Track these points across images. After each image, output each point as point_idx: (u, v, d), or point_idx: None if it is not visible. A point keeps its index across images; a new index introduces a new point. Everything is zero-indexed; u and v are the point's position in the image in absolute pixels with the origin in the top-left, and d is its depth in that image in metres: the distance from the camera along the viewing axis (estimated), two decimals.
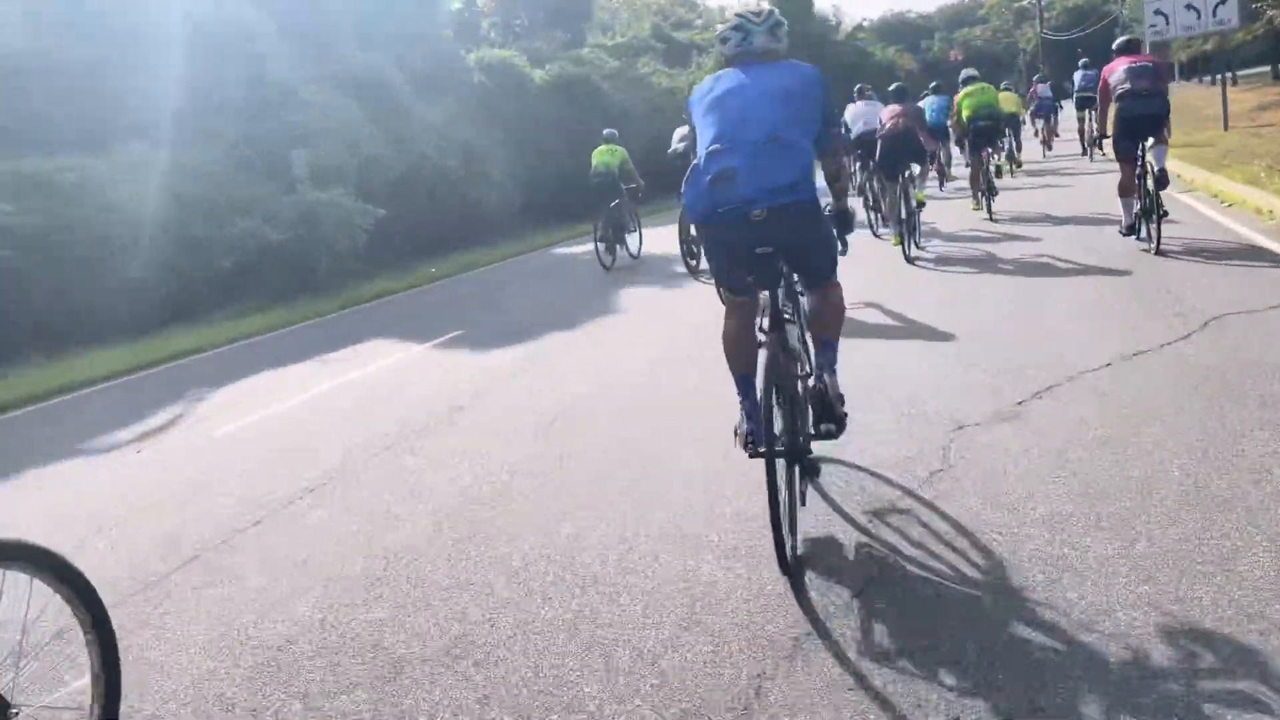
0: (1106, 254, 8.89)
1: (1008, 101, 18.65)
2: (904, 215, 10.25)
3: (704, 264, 10.41)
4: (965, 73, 14.30)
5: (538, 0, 39.98)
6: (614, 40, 41.07)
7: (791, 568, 3.44)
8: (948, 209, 13.84)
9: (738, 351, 3.85)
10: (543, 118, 25.56)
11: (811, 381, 3.97)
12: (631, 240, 14.18)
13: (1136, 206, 8.90)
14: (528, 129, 25.14)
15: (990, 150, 13.48)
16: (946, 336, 6.61)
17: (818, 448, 4.08)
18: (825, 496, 4.09)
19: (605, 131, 14.19)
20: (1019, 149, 19.01)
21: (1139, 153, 8.68)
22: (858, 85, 13.68)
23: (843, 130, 11.89)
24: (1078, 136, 20.80)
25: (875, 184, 12.44)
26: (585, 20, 41.25)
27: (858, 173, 13.32)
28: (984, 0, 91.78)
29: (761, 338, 3.80)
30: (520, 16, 40.44)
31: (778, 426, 3.57)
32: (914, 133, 10.73)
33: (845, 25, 64.70)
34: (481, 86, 25.58)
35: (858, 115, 12.47)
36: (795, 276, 4.04)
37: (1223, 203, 11.13)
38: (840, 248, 4.02)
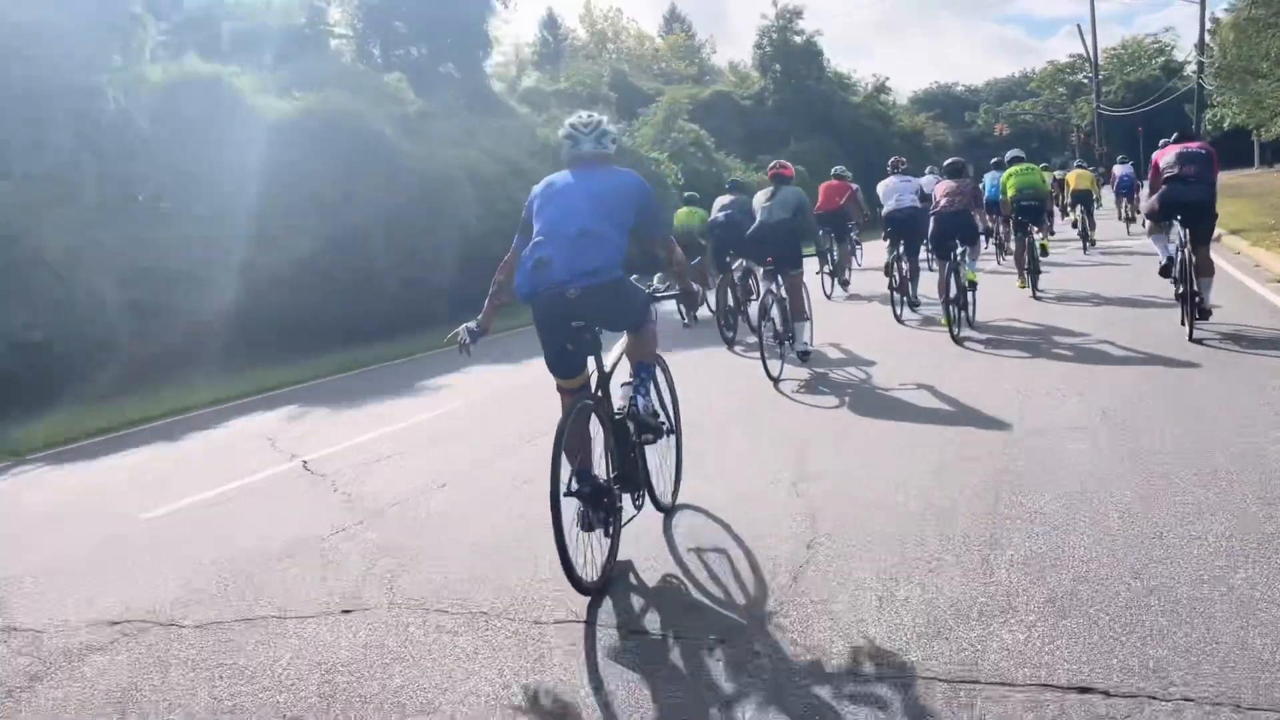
0: (1150, 339, 9.07)
1: (1082, 179, 19.44)
2: (953, 294, 10.17)
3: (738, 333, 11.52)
4: (1011, 153, 14.62)
5: (420, 24, 30.26)
6: (551, 84, 38.93)
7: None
8: (997, 283, 14.11)
9: (572, 445, 4.42)
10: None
11: (630, 403, 4.78)
12: None
13: (1178, 289, 9.17)
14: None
15: (1035, 228, 13.70)
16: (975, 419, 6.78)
17: None
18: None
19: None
20: (1092, 226, 19.51)
21: (1181, 240, 8.91)
22: (891, 159, 13.69)
23: (870, 207, 12.77)
24: (1124, 225, 22.86)
25: (902, 266, 12.16)
26: (482, 50, 32.49)
27: (886, 251, 12.58)
28: (1033, 74, 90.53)
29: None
30: (374, 41, 30.75)
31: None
32: (969, 212, 10.66)
33: (893, 98, 63.85)
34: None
35: (889, 191, 12.52)
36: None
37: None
38: (685, 319, 6.20)
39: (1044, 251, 11.95)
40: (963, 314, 10.37)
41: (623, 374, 5.02)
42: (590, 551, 4.41)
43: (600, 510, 4.47)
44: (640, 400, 4.80)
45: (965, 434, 6.35)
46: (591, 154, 4.74)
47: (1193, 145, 9.11)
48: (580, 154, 4.76)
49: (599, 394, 4.69)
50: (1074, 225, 20.20)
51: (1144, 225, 9.87)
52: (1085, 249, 18.76)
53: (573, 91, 37.41)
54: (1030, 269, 13.04)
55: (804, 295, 9.58)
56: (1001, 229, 18.15)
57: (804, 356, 9.70)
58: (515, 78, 44.02)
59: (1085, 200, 19.55)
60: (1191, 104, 63.55)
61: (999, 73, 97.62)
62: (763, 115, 50.38)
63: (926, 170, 19.91)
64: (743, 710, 3.22)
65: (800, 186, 9.95)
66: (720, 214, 12.05)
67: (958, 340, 9.93)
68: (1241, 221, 18.21)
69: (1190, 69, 68.84)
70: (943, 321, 10.48)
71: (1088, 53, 61.33)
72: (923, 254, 13.33)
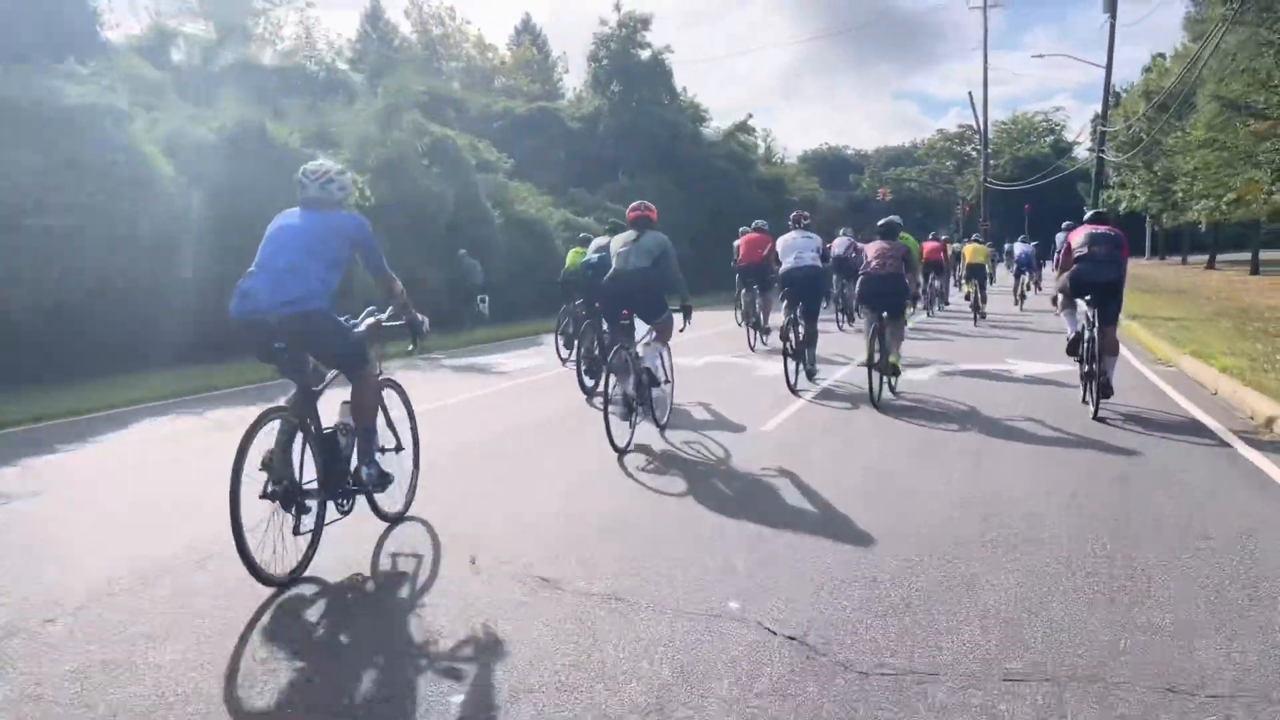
0: (1056, 416, 9.21)
1: (978, 253, 20.10)
2: (875, 359, 9.99)
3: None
4: (885, 220, 14.64)
5: None
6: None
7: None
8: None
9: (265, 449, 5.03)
10: None
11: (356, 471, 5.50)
12: None
13: (1083, 367, 9.47)
14: None
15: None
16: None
17: None
18: None
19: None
20: (984, 300, 20.35)
21: (1089, 321, 9.23)
22: (794, 213, 12.82)
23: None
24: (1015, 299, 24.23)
25: (799, 329, 11.41)
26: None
27: (783, 313, 11.66)
28: (922, 144, 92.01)
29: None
30: None
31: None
32: (901, 276, 10.28)
33: (759, 140, 57.61)
34: None
35: (789, 247, 11.76)
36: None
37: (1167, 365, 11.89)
38: (411, 347, 5.92)
39: (895, 370, 10.56)
40: (884, 381, 10.30)
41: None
42: (281, 547, 4.95)
43: (291, 510, 5.07)
44: (365, 470, 5.51)
45: (811, 542, 5.44)
46: (316, 197, 5.39)
47: (1102, 227, 9.46)
48: (308, 197, 5.39)
49: (300, 408, 5.25)
50: (967, 298, 21.10)
51: (1055, 303, 10.00)
52: (976, 321, 19.44)
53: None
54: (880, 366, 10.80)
55: (664, 356, 8.77)
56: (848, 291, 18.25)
57: (659, 427, 8.78)
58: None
59: (980, 274, 20.32)
60: (1087, 183, 62.06)
61: (891, 142, 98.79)
62: (592, 141, 42.21)
63: (840, 231, 19.99)
64: None
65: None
66: (594, 255, 11.47)
67: (878, 405, 9.86)
68: (1131, 307, 18.96)
69: (1084, 149, 70.03)
70: (866, 385, 10.38)
71: (977, 123, 60.10)
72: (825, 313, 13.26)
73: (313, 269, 5.11)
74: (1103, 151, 38.93)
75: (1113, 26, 32.94)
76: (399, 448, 6.00)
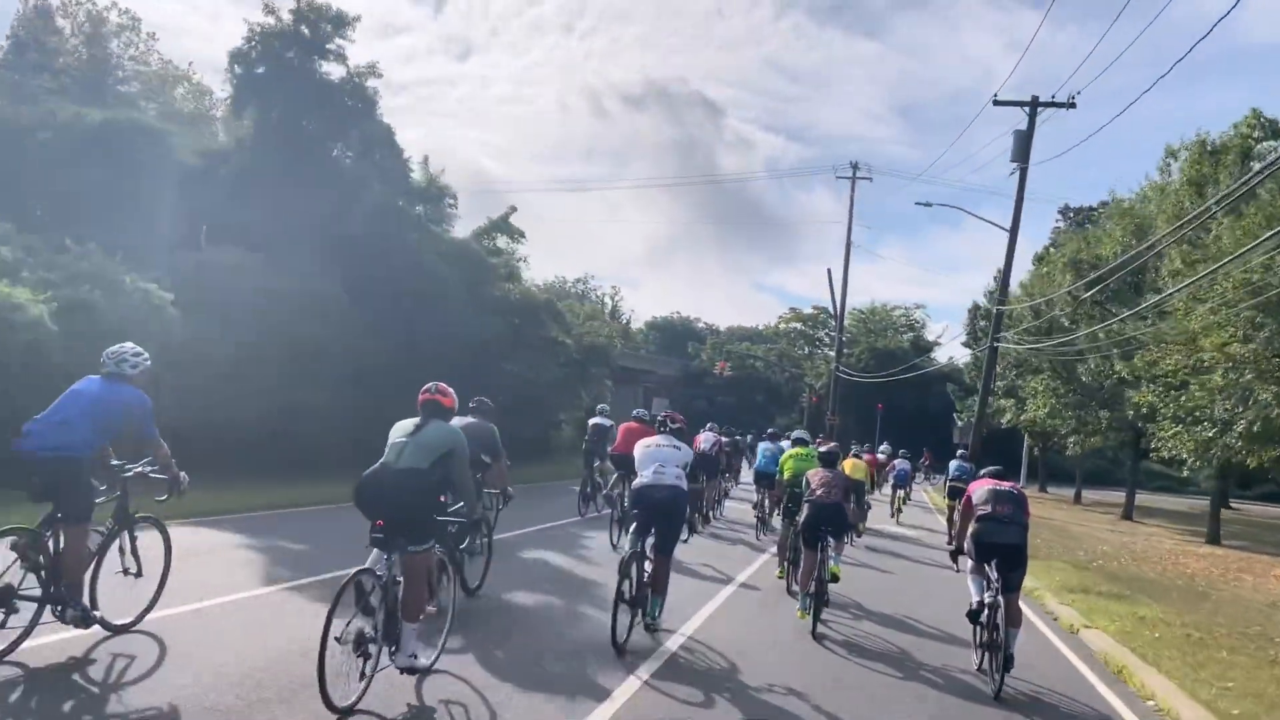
0: (955, 689, 8.54)
1: (857, 469, 19.76)
2: (814, 589, 10.05)
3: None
4: (796, 433, 14.49)
5: None
6: None
7: None
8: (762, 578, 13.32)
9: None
10: None
11: None
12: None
13: (983, 636, 8.94)
14: None
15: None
16: None
17: None
18: None
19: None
20: (863, 518, 19.92)
21: (993, 584, 8.83)
22: (663, 413, 10.92)
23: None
24: (947, 526, 22.12)
25: (644, 566, 8.99)
26: None
27: (627, 541, 9.36)
28: (774, 327, 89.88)
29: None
30: None
31: None
32: (842, 506, 10.68)
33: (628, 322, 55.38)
34: None
35: (647, 458, 9.44)
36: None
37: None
38: (164, 497, 7.66)
39: (834, 578, 10.53)
40: (820, 608, 10.16)
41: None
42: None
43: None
44: (70, 610, 6.77)
45: None
46: (111, 372, 7.15)
47: (1006, 484, 9.32)
48: (106, 371, 7.15)
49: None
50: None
51: (955, 560, 9.69)
52: (851, 540, 18.84)
53: None
54: (815, 595, 10.36)
55: (425, 586, 6.92)
56: (767, 503, 17.88)
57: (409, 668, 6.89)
58: None
59: (859, 490, 19.81)
60: (955, 384, 59.70)
61: (746, 322, 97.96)
62: (211, 186, 25.63)
63: (706, 426, 19.62)
64: None
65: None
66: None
67: (816, 637, 9.66)
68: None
69: (946, 354, 69.38)
70: (799, 615, 10.47)
71: (833, 302, 53.37)
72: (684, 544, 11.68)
73: (82, 428, 6.84)
74: (997, 340, 31.87)
75: (1023, 173, 28.78)
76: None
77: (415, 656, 6.84)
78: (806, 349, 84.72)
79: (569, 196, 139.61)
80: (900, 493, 26.76)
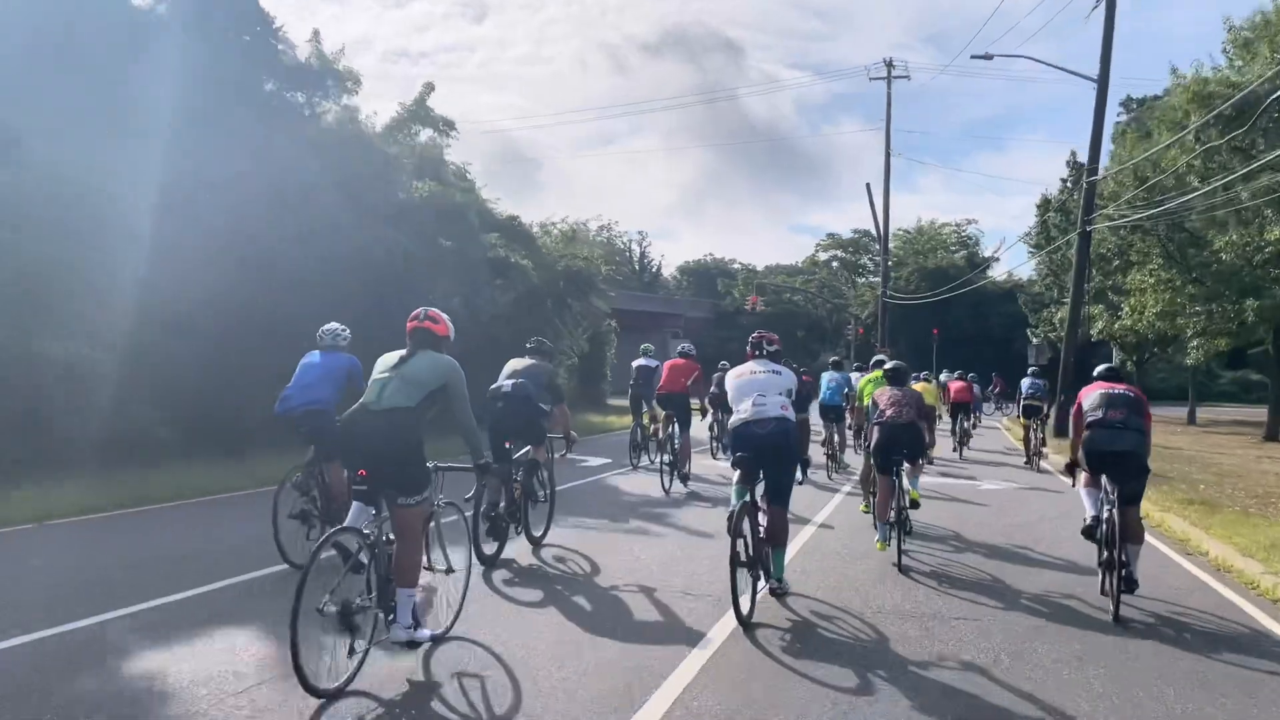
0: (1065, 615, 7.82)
1: (926, 394, 18.70)
2: (892, 517, 9.68)
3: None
4: (877, 356, 13.71)
5: None
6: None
7: None
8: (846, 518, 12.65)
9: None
10: None
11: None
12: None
13: (1103, 555, 8.17)
14: None
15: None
16: None
17: None
18: None
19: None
20: (932, 445, 18.62)
21: (1109, 497, 8.13)
22: (755, 334, 8.84)
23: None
24: (1023, 445, 21.42)
25: (757, 519, 7.79)
26: None
27: (733, 493, 8.00)
28: (810, 255, 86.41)
29: None
30: None
31: None
32: (918, 425, 10.17)
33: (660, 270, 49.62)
34: None
35: (742, 389, 8.11)
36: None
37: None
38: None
39: (914, 504, 10.13)
40: (903, 538, 9.86)
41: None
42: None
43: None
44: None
45: None
46: (329, 345, 9.25)
47: (1120, 387, 8.58)
48: (324, 345, 9.23)
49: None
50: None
51: (1070, 474, 8.87)
52: (923, 465, 18.02)
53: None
54: (896, 524, 9.93)
55: (421, 545, 6.20)
56: (837, 438, 17.11)
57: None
58: None
59: (929, 416, 18.92)
60: (1022, 295, 50.40)
61: (784, 260, 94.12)
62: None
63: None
64: None
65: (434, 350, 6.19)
66: (508, 383, 9.74)
67: (902, 569, 9.24)
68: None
69: (1003, 271, 59.00)
70: (879, 546, 10.00)
71: (875, 223, 47.92)
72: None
73: (328, 388, 8.90)
74: (1089, 222, 27.54)
75: (1111, 4, 25.35)
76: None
77: (414, 627, 6.01)
78: (850, 278, 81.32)
79: (596, 155, 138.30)
80: (967, 424, 23.44)
